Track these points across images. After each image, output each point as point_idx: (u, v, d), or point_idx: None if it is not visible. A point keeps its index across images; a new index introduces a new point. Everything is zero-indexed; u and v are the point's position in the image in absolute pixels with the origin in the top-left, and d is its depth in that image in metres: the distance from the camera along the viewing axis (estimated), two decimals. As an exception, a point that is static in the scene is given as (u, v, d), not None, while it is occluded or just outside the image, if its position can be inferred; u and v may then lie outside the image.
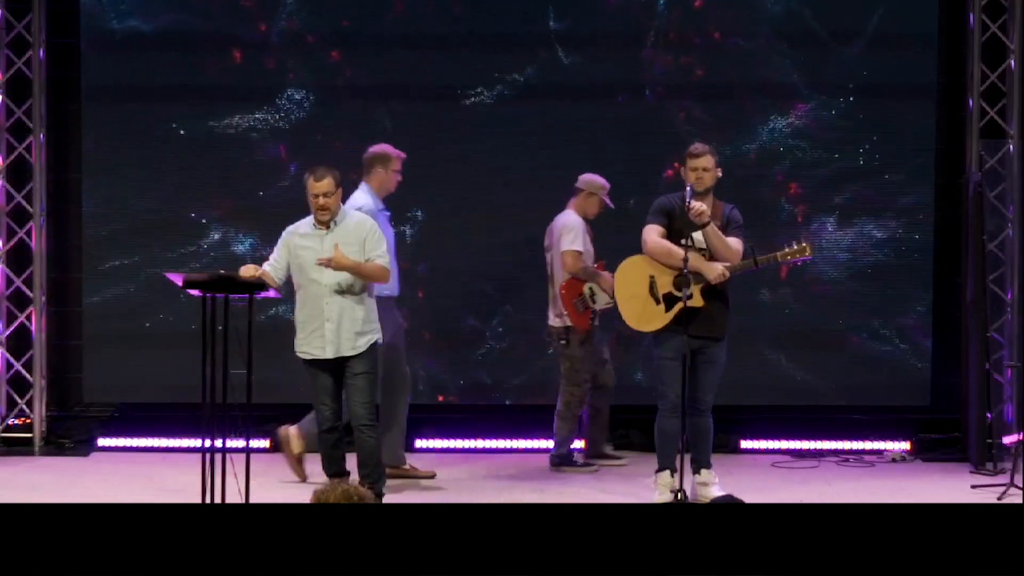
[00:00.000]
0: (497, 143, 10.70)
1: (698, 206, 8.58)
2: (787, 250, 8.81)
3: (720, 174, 8.80)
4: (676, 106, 10.69)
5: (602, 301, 9.90)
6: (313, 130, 10.70)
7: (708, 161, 8.74)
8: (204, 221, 10.69)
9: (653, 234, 8.81)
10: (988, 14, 10.60)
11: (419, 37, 10.64)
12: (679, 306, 8.66)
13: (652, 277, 8.79)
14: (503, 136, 10.70)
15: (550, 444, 10.54)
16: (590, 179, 10.04)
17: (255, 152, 10.70)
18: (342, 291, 8.63)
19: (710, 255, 8.73)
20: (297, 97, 10.69)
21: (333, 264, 8.54)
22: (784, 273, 10.63)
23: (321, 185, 8.61)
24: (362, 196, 9.37)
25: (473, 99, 10.67)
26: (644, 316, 8.84)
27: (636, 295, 8.85)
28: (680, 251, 8.66)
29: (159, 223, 10.68)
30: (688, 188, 8.67)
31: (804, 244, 8.83)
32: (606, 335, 10.32)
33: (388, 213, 9.52)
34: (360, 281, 8.67)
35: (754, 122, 10.73)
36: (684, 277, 8.62)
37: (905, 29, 10.70)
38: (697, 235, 8.70)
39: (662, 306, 8.77)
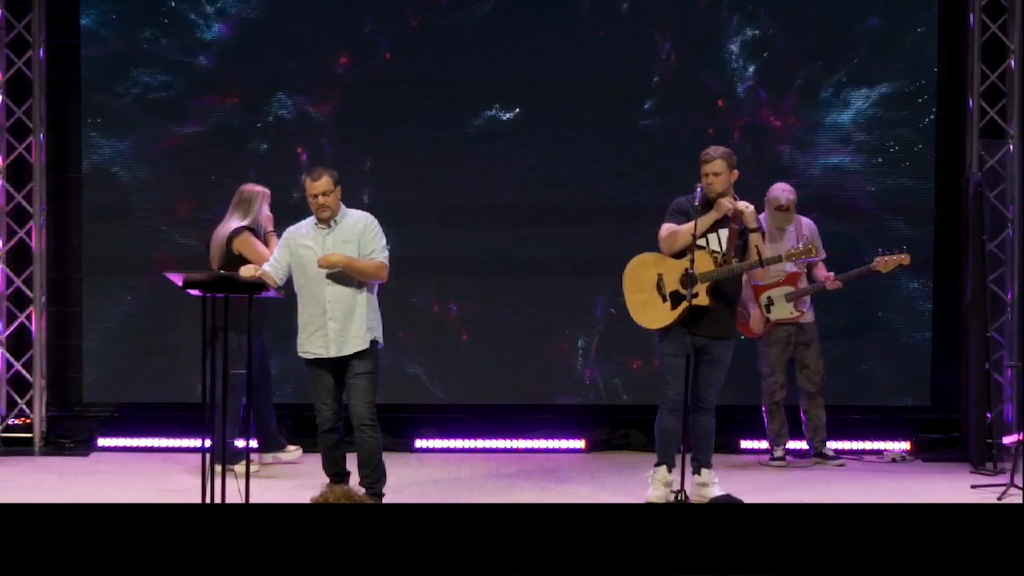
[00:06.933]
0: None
1: (746, 205, 8.72)
2: (792, 251, 9.19)
3: (736, 176, 8.87)
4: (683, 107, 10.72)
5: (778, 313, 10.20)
6: (318, 130, 10.70)
7: (718, 166, 8.80)
8: (205, 221, 10.68)
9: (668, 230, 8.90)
10: (988, 14, 10.60)
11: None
12: (685, 305, 8.69)
13: (660, 275, 8.87)
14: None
15: (550, 444, 10.63)
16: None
17: (258, 151, 10.69)
18: (344, 290, 8.62)
19: (723, 259, 8.77)
20: (303, 95, 10.69)
21: (322, 263, 8.54)
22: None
23: (319, 184, 8.62)
24: None
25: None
26: (650, 313, 8.90)
27: (643, 292, 8.91)
28: (686, 229, 8.72)
29: (159, 223, 10.68)
30: (698, 189, 8.75)
31: (811, 246, 9.19)
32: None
33: None
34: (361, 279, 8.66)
35: (752, 121, 10.73)
36: (690, 276, 8.65)
37: (905, 29, 10.70)
38: (711, 235, 8.79)
39: (668, 304, 8.83)
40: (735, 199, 8.84)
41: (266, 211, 9.70)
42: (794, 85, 10.73)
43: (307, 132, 10.71)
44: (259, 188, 9.79)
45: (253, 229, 9.63)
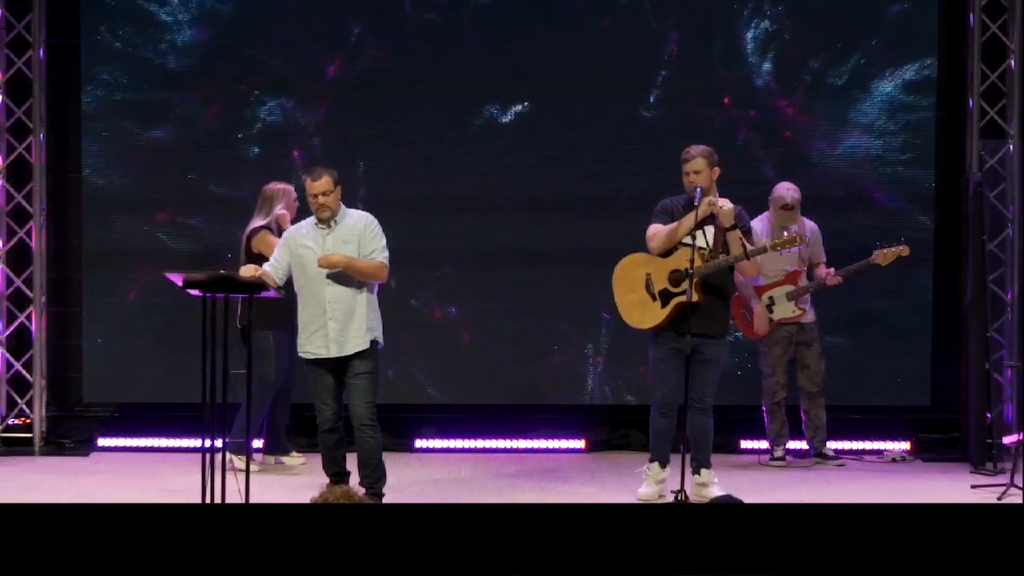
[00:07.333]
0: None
1: (725, 202, 8.69)
2: (776, 240, 9.16)
3: (717, 174, 8.87)
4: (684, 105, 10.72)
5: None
6: (317, 129, 10.70)
7: (699, 164, 8.83)
8: (205, 221, 10.68)
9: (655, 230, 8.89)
10: (988, 14, 10.60)
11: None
12: (675, 301, 8.71)
13: (648, 275, 8.87)
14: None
15: (550, 444, 10.64)
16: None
17: (259, 151, 10.69)
18: (344, 290, 8.62)
19: (710, 255, 8.78)
20: (300, 95, 10.68)
21: (322, 262, 8.55)
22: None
23: (319, 184, 8.63)
24: None
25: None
26: (641, 313, 8.91)
27: (634, 292, 8.92)
28: (677, 227, 8.74)
29: (159, 223, 10.68)
30: (699, 189, 8.76)
31: (795, 235, 9.18)
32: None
33: None
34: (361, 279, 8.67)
35: (754, 121, 10.72)
36: (683, 274, 8.65)
37: (905, 29, 10.70)
38: (697, 232, 8.78)
39: (658, 303, 8.84)
40: (716, 196, 8.84)
41: (279, 209, 9.70)
42: (800, 79, 10.72)
43: (303, 133, 10.70)
44: (280, 186, 9.83)
45: (272, 228, 9.65)
